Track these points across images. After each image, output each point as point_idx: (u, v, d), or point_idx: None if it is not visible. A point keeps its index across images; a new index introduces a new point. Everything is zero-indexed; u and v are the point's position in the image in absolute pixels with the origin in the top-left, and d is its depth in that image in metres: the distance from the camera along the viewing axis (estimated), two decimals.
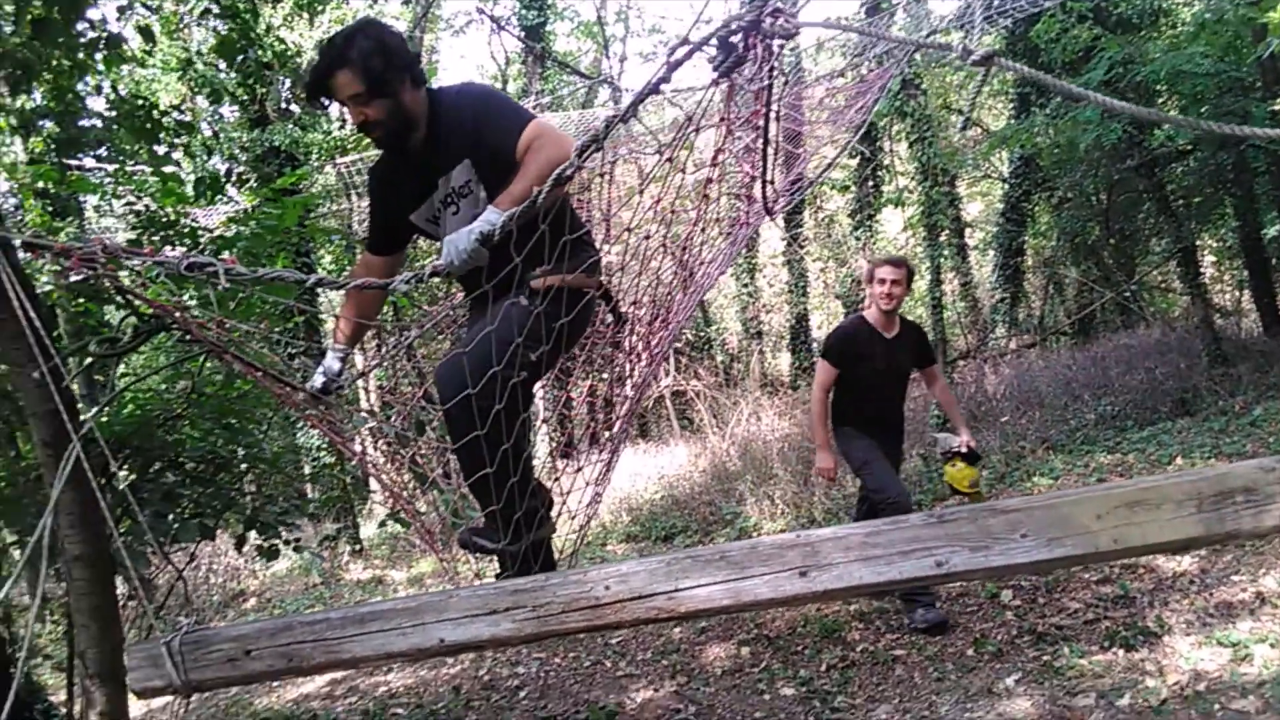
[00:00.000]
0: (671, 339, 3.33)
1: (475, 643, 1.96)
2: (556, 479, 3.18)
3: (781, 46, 1.95)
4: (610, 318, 3.00)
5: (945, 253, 10.02)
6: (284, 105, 12.12)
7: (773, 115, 2.49)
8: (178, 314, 2.26)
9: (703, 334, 17.71)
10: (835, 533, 1.85)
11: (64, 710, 4.02)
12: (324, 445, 12.17)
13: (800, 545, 1.84)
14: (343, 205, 11.53)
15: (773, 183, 2.99)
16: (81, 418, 2.53)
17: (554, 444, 11.66)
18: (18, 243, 2.24)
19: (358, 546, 12.25)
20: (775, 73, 2.20)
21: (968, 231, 15.98)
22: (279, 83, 11.37)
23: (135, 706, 5.10)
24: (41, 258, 2.33)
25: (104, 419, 3.53)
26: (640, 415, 16.28)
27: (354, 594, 10.38)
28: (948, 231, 9.99)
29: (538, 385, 2.99)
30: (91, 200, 10.62)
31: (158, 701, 7.21)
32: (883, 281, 5.10)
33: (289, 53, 9.57)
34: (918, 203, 11.86)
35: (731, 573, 1.85)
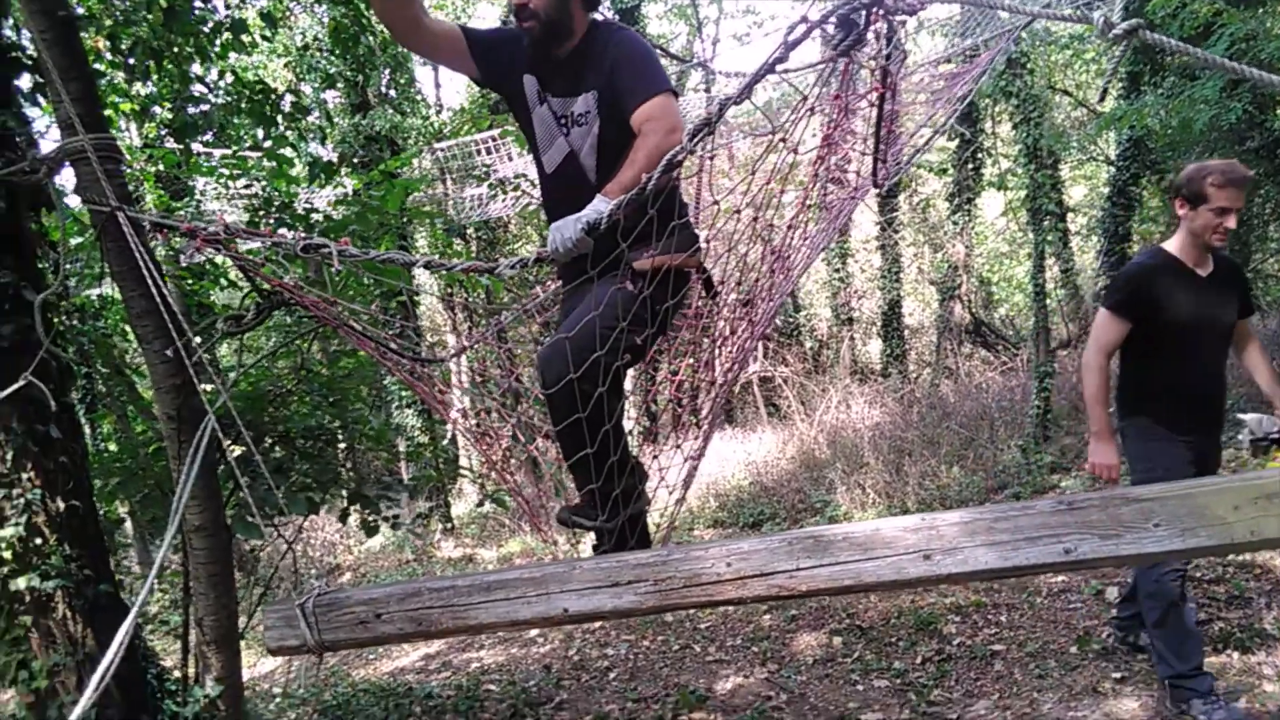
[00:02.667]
0: (764, 325, 3.28)
1: (598, 613, 2.01)
2: (655, 457, 3.19)
3: (903, 23, 1.90)
4: (703, 291, 2.97)
5: (1049, 238, 9.63)
6: (384, 91, 12.42)
7: (888, 95, 2.42)
8: (297, 292, 2.32)
9: (791, 320, 17.51)
10: (961, 517, 1.83)
11: (176, 674, 4.18)
12: (418, 425, 12.48)
13: (924, 529, 1.82)
14: (438, 190, 11.74)
15: (885, 162, 2.91)
16: (205, 390, 2.62)
17: (640, 427, 11.74)
18: (147, 223, 2.34)
19: (449, 525, 12.55)
20: (896, 51, 2.13)
21: (1070, 216, 15.42)
22: (380, 68, 11.65)
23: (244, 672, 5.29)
24: (168, 238, 2.41)
25: (214, 396, 3.68)
26: (726, 401, 16.20)
27: (445, 571, 10.62)
28: (1050, 216, 9.60)
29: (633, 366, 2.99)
30: (198, 184, 11.05)
31: (265, 666, 7.51)
32: (1222, 211, 3.55)
33: (386, 40, 9.77)
34: (1021, 186, 11.47)
35: (854, 554, 1.85)
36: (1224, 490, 1.72)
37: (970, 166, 14.74)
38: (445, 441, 12.73)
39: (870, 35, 1.91)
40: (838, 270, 16.70)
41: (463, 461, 12.57)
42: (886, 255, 16.00)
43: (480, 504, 9.88)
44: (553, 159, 2.69)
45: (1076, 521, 1.75)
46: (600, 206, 2.29)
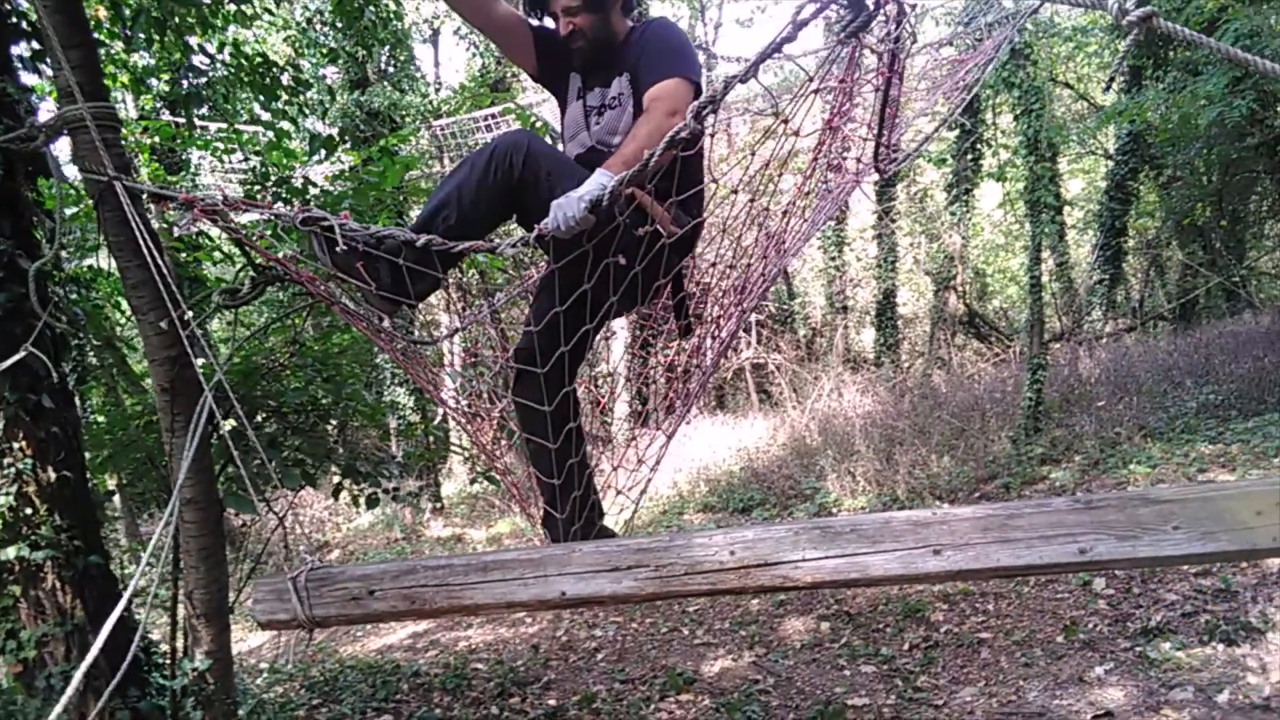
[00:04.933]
0: (752, 307, 3.29)
1: (596, 597, 1.97)
2: (635, 437, 3.23)
3: (914, 7, 1.88)
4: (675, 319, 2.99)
5: (1046, 231, 9.64)
6: (383, 68, 12.35)
7: (894, 80, 2.40)
8: (292, 266, 2.30)
9: (785, 307, 17.49)
10: (974, 512, 1.80)
11: (163, 648, 4.17)
12: (410, 404, 12.45)
13: (936, 523, 1.79)
14: (435, 169, 11.65)
15: (889, 147, 2.89)
16: (199, 363, 2.60)
17: (633, 411, 11.73)
18: (145, 194, 2.31)
19: (439, 504, 12.54)
20: (905, 34, 2.12)
21: (1066, 210, 15.43)
22: (382, 44, 11.61)
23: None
24: (167, 209, 2.39)
25: (209, 370, 3.65)
26: (718, 387, 16.21)
27: (434, 550, 10.63)
28: (1048, 209, 9.59)
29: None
30: (194, 157, 10.97)
31: (255, 640, 7.51)
32: None
33: (389, 15, 9.70)
34: (1020, 178, 11.46)
35: (862, 546, 1.82)
36: (1246, 494, 1.68)
37: (970, 157, 14.71)
38: (435, 421, 12.71)
39: (882, 18, 1.89)
40: (833, 259, 16.68)
41: (453, 440, 12.56)
42: (883, 244, 15.98)
43: (473, 481, 9.90)
44: (572, 150, 2.75)
45: (1093, 521, 1.71)
46: (603, 180, 2.26)
